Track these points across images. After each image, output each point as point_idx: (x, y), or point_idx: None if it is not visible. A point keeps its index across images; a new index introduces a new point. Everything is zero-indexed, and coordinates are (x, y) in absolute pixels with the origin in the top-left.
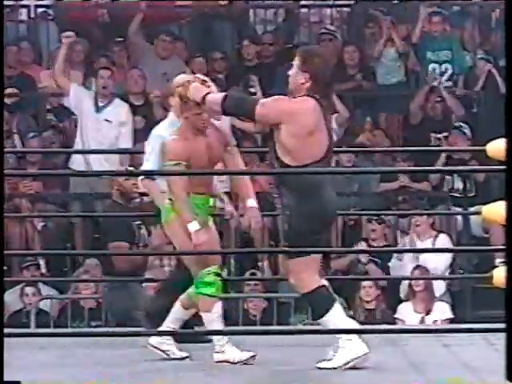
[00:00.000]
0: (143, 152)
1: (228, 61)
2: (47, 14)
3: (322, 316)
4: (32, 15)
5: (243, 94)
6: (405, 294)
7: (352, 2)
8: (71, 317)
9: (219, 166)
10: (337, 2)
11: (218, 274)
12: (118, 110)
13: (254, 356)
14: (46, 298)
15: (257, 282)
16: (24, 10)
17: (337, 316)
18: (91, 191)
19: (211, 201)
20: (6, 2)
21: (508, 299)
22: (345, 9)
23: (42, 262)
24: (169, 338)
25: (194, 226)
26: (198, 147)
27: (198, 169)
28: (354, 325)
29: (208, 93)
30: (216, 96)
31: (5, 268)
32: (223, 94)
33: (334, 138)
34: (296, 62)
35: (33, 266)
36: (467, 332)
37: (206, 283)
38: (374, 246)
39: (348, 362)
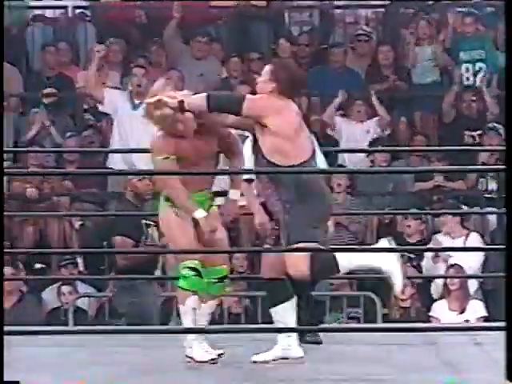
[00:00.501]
0: None
1: (264, 61)
2: (85, 14)
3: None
4: (70, 16)
5: (225, 92)
6: (439, 293)
7: (387, 3)
8: (109, 315)
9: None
10: (372, 3)
11: (194, 269)
12: None
13: (221, 354)
14: (83, 296)
15: None
16: (62, 11)
17: (286, 311)
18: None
19: (209, 196)
20: (41, 3)
21: (508, 299)
22: (379, 9)
23: (79, 261)
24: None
25: (200, 213)
26: (182, 145)
27: (186, 165)
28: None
29: (181, 101)
30: (196, 97)
31: (43, 266)
32: (203, 94)
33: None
34: (266, 69)
35: (70, 264)
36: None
37: (182, 276)
38: (409, 242)
39: (279, 359)
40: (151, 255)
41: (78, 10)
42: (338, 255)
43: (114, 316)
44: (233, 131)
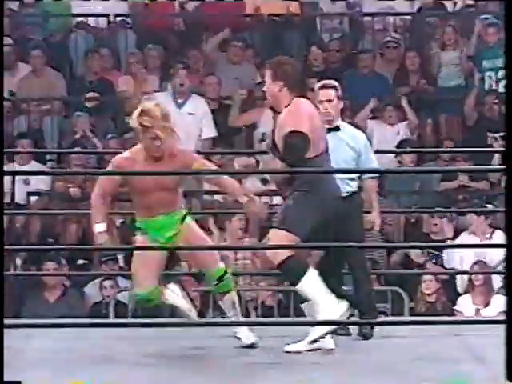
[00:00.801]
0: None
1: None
2: (125, 22)
3: (295, 284)
4: (111, 24)
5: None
6: (464, 288)
7: (414, 11)
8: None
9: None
10: (399, 11)
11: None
12: (197, 103)
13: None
14: (124, 291)
15: None
16: (104, 19)
17: (310, 283)
18: None
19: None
20: (84, 11)
21: (508, 293)
22: (407, 17)
23: (120, 257)
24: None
25: (99, 228)
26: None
27: (140, 193)
28: (327, 291)
29: None
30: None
31: (86, 262)
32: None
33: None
34: (267, 74)
35: (111, 260)
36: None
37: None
38: (435, 240)
39: (312, 349)
40: None
41: (119, 18)
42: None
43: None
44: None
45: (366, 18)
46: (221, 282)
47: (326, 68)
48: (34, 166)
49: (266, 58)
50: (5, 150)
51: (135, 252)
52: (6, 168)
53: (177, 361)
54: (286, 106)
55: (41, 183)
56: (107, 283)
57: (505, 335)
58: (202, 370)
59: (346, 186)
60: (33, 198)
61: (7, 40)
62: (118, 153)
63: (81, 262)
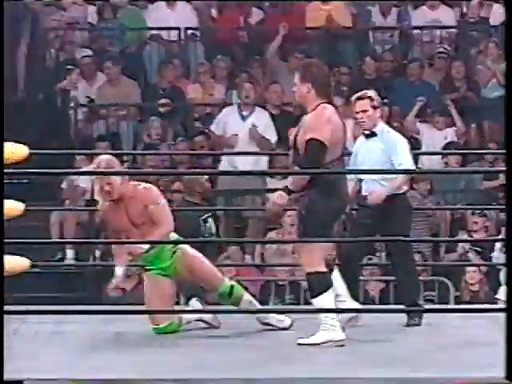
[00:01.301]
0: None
1: (351, 75)
2: (195, 35)
3: (315, 296)
4: (182, 37)
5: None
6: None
7: (458, 24)
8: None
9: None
10: (445, 24)
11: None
12: (261, 116)
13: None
14: None
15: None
16: (175, 32)
17: (327, 300)
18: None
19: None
20: (157, 25)
21: (508, 282)
22: (452, 30)
23: None
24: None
25: (117, 271)
26: (116, 213)
27: (119, 233)
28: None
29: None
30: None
31: None
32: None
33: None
34: (296, 76)
35: None
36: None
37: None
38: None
39: (326, 342)
40: None
41: (189, 31)
42: None
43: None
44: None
45: (415, 31)
46: (232, 296)
47: (378, 77)
48: None
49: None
50: (85, 152)
51: (146, 286)
52: (86, 168)
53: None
54: (313, 110)
55: None
56: None
57: (505, 322)
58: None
59: (380, 186)
60: None
61: (87, 51)
62: (187, 154)
63: None
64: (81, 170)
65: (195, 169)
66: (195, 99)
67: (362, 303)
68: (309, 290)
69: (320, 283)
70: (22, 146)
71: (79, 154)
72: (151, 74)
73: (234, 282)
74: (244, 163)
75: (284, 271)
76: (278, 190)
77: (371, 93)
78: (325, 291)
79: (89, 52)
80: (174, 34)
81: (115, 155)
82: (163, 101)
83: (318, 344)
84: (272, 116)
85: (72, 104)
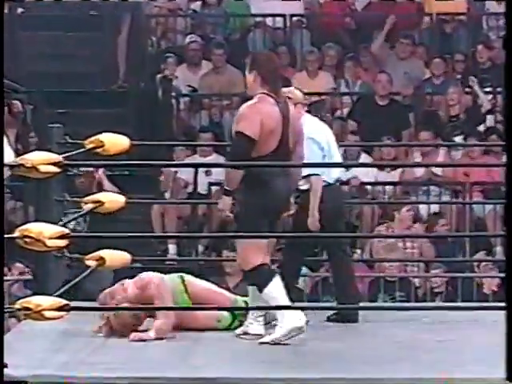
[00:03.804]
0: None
1: (466, 63)
2: (301, 22)
3: (261, 290)
4: (287, 24)
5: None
6: None
7: None
8: (322, 293)
9: None
10: None
11: None
12: None
13: None
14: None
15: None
16: (280, 19)
17: (276, 289)
18: None
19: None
20: (262, 11)
21: (508, 279)
22: None
23: None
24: None
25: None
26: None
27: None
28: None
29: None
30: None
31: None
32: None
33: None
34: (246, 64)
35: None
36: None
37: None
38: None
39: (287, 335)
40: None
41: (294, 18)
42: None
43: (326, 293)
44: None
45: None
46: (235, 322)
47: (493, 65)
48: (215, 158)
49: (434, 54)
50: (188, 143)
51: None
52: (188, 160)
53: None
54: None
55: (221, 174)
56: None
57: (505, 321)
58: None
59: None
60: (213, 188)
61: (194, 38)
62: None
63: None
64: (182, 162)
65: None
66: (302, 88)
67: None
68: (256, 287)
69: (261, 276)
70: (122, 136)
71: (182, 146)
72: None
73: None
74: None
75: (394, 267)
76: None
77: (287, 90)
78: (269, 280)
79: (196, 38)
80: (279, 21)
81: (218, 147)
82: None
83: (281, 339)
84: (378, 107)
85: (174, 93)
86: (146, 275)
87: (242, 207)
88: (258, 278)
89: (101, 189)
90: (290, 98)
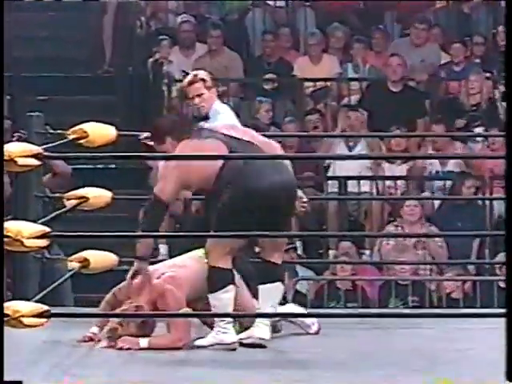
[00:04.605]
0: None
1: (483, 46)
2: (305, 1)
3: (211, 292)
4: (290, 3)
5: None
6: None
7: None
8: (327, 298)
9: None
10: None
11: None
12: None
13: None
14: (302, 279)
15: None
16: None
17: (224, 299)
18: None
19: None
20: None
21: (508, 285)
22: None
23: (298, 244)
24: None
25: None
26: None
27: None
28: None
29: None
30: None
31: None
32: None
33: None
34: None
35: (291, 248)
36: None
37: None
38: None
39: (213, 345)
40: None
41: None
42: None
43: (332, 299)
44: None
45: None
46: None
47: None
48: None
49: (453, 37)
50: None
51: None
52: None
53: None
54: None
55: None
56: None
57: (505, 328)
58: None
59: None
60: None
61: (186, 18)
62: (296, 136)
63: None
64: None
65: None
66: (305, 73)
67: None
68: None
69: (219, 279)
70: (108, 126)
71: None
72: (255, 46)
73: None
74: None
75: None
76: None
77: (202, 74)
78: (222, 288)
79: (189, 18)
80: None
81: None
82: (269, 76)
83: (205, 346)
84: (391, 93)
85: (165, 80)
86: (159, 283)
87: (225, 209)
88: (217, 279)
89: (55, 173)
90: (204, 80)
